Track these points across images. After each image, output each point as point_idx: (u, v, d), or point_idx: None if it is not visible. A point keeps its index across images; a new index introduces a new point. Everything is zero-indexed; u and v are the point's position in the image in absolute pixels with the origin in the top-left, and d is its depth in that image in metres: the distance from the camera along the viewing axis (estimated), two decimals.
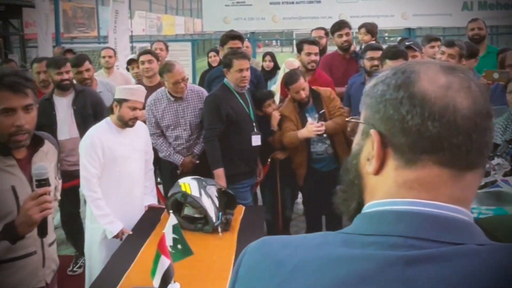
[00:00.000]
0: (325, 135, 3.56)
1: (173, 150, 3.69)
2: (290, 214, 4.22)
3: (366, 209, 0.70)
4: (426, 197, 0.65)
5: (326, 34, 5.19)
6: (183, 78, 3.58)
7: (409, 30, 7.96)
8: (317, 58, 4.10)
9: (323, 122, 3.48)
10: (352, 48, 4.81)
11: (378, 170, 0.69)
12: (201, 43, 16.63)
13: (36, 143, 1.88)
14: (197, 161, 3.68)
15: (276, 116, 3.69)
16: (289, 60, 4.24)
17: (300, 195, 4.22)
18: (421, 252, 0.60)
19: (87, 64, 4.12)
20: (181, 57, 8.92)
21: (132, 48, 9.63)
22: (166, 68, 3.56)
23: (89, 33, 14.36)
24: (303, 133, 3.51)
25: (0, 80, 1.71)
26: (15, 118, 1.72)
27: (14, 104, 1.72)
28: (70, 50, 5.51)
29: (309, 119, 3.62)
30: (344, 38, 4.61)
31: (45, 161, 1.88)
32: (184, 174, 3.48)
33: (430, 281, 0.58)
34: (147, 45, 11.11)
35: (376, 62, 3.70)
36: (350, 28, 4.78)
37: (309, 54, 4.02)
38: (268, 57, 5.98)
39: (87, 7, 14.83)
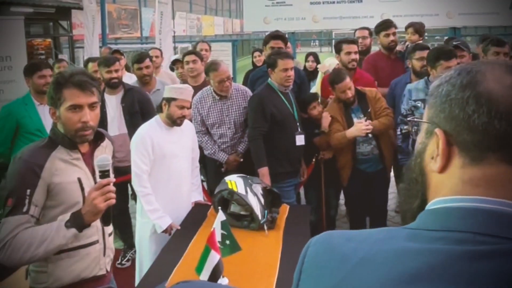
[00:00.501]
0: (370, 135, 3.54)
1: (218, 148, 3.76)
2: (334, 214, 4.20)
3: (431, 206, 0.71)
4: (493, 195, 0.65)
5: (370, 34, 5.13)
6: (228, 77, 3.64)
7: (454, 29, 7.75)
8: (357, 57, 4.07)
9: (370, 121, 3.46)
10: (398, 47, 4.74)
11: (443, 168, 0.70)
12: (240, 44, 16.75)
13: (97, 139, 1.99)
14: (241, 159, 3.73)
15: (327, 117, 3.69)
16: (322, 65, 4.27)
17: (341, 195, 4.20)
18: (489, 248, 0.61)
19: (147, 62, 4.30)
20: (222, 57, 9.01)
21: (175, 48, 9.83)
22: (212, 67, 3.64)
23: (133, 34, 14.73)
24: (352, 132, 3.50)
25: (69, 78, 1.83)
26: (81, 115, 1.83)
27: (81, 101, 1.83)
28: (117, 51, 5.68)
29: (355, 120, 3.60)
30: (391, 38, 4.56)
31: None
32: (229, 172, 3.53)
33: (497, 276, 0.59)
34: (188, 46, 11.31)
35: (425, 62, 3.67)
36: (396, 27, 4.72)
37: (349, 53, 4.00)
38: (311, 57, 5.96)
39: (130, 8, 15.22)
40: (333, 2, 8.22)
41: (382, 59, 4.65)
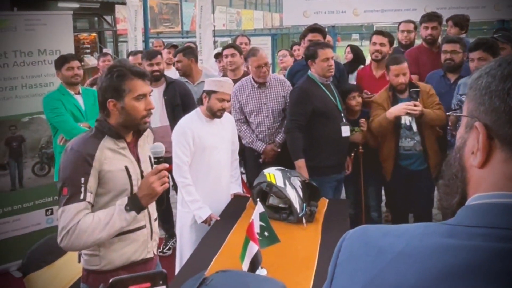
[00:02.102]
0: (415, 130, 3.45)
1: (256, 138, 3.78)
2: (378, 217, 4.06)
3: (471, 201, 0.69)
4: None
5: (415, 27, 4.99)
6: (265, 63, 3.71)
7: (502, 21, 7.43)
8: (383, 48, 3.99)
9: (419, 104, 3.35)
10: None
11: (484, 163, 0.67)
12: (280, 38, 16.71)
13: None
14: (279, 150, 3.74)
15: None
16: None
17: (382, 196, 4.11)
18: None
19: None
20: None
21: (215, 42, 9.93)
22: (251, 53, 3.74)
23: (173, 28, 14.96)
24: (392, 111, 3.42)
25: (130, 70, 1.91)
26: (146, 103, 1.94)
27: (145, 91, 1.93)
28: (174, 45, 5.78)
29: None
30: (429, 31, 4.40)
31: (147, 144, 2.06)
32: (267, 163, 3.55)
33: None
34: (228, 40, 11.39)
35: (449, 56, 3.60)
36: (440, 22, 4.56)
37: (374, 43, 3.98)
38: (348, 49, 5.89)
39: (171, 3, 15.45)
40: None
41: (424, 53, 4.52)
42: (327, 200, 3.16)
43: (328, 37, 6.23)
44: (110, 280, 0.89)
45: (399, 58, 3.53)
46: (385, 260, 0.68)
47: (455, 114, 3.11)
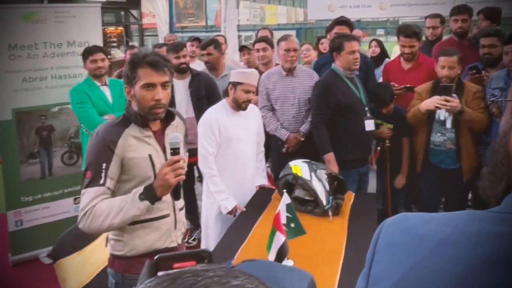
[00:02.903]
0: (448, 126, 3.37)
1: (280, 125, 3.78)
2: (404, 212, 4.00)
3: None
4: None
5: (442, 22, 4.87)
6: (294, 48, 3.74)
7: None
8: (412, 49, 3.87)
9: (452, 100, 3.24)
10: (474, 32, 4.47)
11: None
12: (304, 32, 16.60)
13: (168, 117, 2.05)
14: (302, 139, 3.73)
15: None
16: None
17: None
18: None
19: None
20: None
21: (239, 36, 9.93)
22: (282, 38, 3.81)
23: (198, 23, 15.01)
24: (424, 104, 3.36)
25: (143, 58, 1.89)
26: (154, 93, 1.90)
27: (155, 80, 1.89)
28: (197, 38, 5.82)
29: None
30: (459, 24, 4.29)
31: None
32: (291, 155, 3.54)
33: None
34: (252, 34, 11.38)
35: (486, 50, 3.50)
36: (471, 14, 4.45)
37: (403, 46, 3.89)
38: (374, 43, 5.80)
39: None
40: None
41: (453, 46, 4.42)
42: (353, 194, 3.12)
43: (358, 31, 6.16)
44: (155, 257, 0.89)
45: (450, 50, 3.43)
46: (428, 247, 0.66)
47: (501, 100, 3.02)
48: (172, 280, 0.33)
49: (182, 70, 3.98)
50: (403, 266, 0.68)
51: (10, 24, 3.70)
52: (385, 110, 3.71)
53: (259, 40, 4.52)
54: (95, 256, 2.34)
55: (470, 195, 3.78)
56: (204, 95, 3.98)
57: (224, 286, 0.32)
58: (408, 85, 3.86)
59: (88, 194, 1.84)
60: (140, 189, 1.86)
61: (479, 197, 0.75)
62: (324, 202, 2.78)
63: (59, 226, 3.70)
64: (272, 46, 4.41)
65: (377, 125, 3.67)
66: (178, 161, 1.83)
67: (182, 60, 3.97)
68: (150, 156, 1.95)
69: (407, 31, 3.86)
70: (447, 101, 3.23)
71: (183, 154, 2.22)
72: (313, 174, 2.90)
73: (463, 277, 0.62)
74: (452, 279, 0.62)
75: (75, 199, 4.05)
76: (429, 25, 4.69)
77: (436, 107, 3.28)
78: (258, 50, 4.39)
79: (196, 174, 4.28)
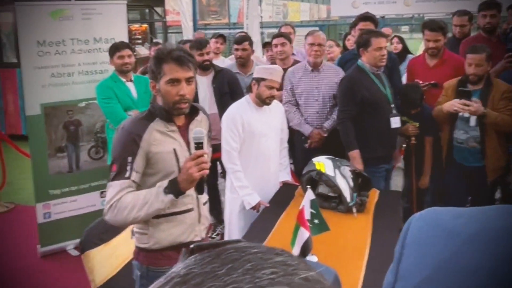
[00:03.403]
0: (472, 124, 3.31)
1: (304, 121, 3.77)
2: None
3: None
4: None
5: (470, 19, 4.76)
6: (319, 43, 3.73)
7: None
8: (437, 44, 3.81)
9: (470, 104, 3.21)
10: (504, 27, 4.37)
11: None
12: (327, 29, 16.51)
13: (192, 113, 2.07)
14: (325, 134, 3.72)
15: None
16: None
17: None
18: None
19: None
20: None
21: (262, 33, 9.91)
22: (310, 32, 3.84)
23: (221, 20, 15.08)
24: (446, 106, 3.34)
25: (168, 54, 1.91)
26: (179, 88, 1.91)
27: (179, 76, 1.90)
28: (221, 35, 5.85)
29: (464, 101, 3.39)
30: (488, 19, 4.20)
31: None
32: (314, 151, 3.52)
33: None
34: (275, 31, 11.36)
35: None
36: (500, 10, 4.34)
37: (428, 40, 3.84)
38: (395, 39, 5.73)
39: None
40: None
41: (482, 43, 4.32)
42: (378, 191, 3.09)
43: (388, 29, 6.09)
44: (191, 246, 0.91)
45: (478, 47, 3.35)
46: (458, 242, 0.66)
47: None
48: (216, 255, 0.33)
49: (205, 67, 4.00)
50: (432, 261, 0.68)
51: (39, 21, 3.78)
52: (413, 111, 3.66)
53: (278, 35, 4.51)
54: (121, 249, 2.38)
55: (498, 194, 3.71)
56: (227, 91, 4.00)
57: (266, 262, 0.32)
58: (433, 82, 3.81)
59: (114, 187, 1.87)
60: (165, 182, 1.88)
61: (509, 193, 0.74)
62: (348, 199, 2.77)
63: (86, 219, 3.78)
64: (290, 42, 4.40)
65: (403, 122, 3.63)
66: (202, 155, 1.84)
67: (206, 57, 3.99)
68: (174, 150, 1.97)
69: (432, 25, 3.82)
70: (466, 105, 3.19)
71: (207, 149, 2.24)
72: (337, 171, 2.88)
73: (493, 273, 0.61)
74: (482, 274, 0.62)
75: (101, 193, 4.12)
76: (457, 23, 4.60)
77: (455, 110, 3.23)
78: (276, 45, 4.38)
79: (219, 170, 4.30)
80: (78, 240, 3.80)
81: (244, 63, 4.47)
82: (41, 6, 3.85)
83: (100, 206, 4.09)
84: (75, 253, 3.90)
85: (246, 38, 4.57)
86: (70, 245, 3.98)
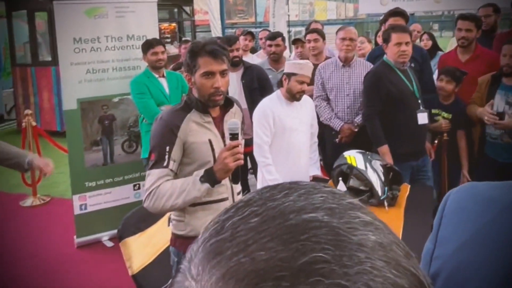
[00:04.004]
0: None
1: (335, 115, 3.77)
2: None
3: None
4: None
5: (496, 11, 4.66)
6: (350, 38, 3.75)
7: None
8: (469, 34, 3.77)
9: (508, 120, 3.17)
10: None
11: None
12: (354, 26, 16.39)
13: (227, 105, 2.12)
14: (356, 129, 3.72)
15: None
16: None
17: None
18: None
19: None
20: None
21: (288, 32, 9.93)
22: (342, 27, 3.89)
23: (248, 19, 15.16)
24: (479, 112, 3.29)
25: (202, 47, 1.96)
26: (214, 81, 1.96)
27: (214, 69, 1.95)
28: (250, 32, 5.91)
29: (497, 97, 3.33)
30: None
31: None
32: (344, 145, 3.52)
33: None
34: (301, 29, 11.36)
35: None
36: None
37: (460, 29, 3.79)
38: (425, 36, 5.66)
39: None
40: None
41: None
42: (409, 186, 3.08)
43: (417, 25, 6.00)
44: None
45: None
46: (494, 210, 0.67)
47: None
48: (273, 187, 0.37)
49: (235, 63, 4.04)
50: (469, 227, 0.69)
51: (75, 19, 3.90)
52: (446, 102, 3.61)
53: (311, 31, 4.51)
54: (156, 238, 2.45)
55: None
56: (257, 87, 4.04)
57: (317, 189, 0.36)
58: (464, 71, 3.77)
59: (152, 175, 1.94)
60: (201, 172, 1.93)
61: None
62: (380, 193, 2.76)
63: (120, 211, 3.88)
64: (323, 38, 4.39)
65: (434, 115, 3.60)
66: (237, 146, 1.89)
67: (235, 53, 4.04)
68: (210, 141, 2.02)
69: (465, 15, 3.81)
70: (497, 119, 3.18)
71: (241, 140, 2.28)
72: (368, 165, 2.89)
73: None
74: None
75: (134, 185, 4.23)
76: (482, 14, 4.54)
77: (487, 120, 3.20)
78: (309, 41, 4.38)
79: (249, 166, 4.33)
80: (112, 232, 3.92)
81: (277, 59, 4.51)
82: (77, 5, 3.97)
83: (133, 198, 4.19)
84: (109, 244, 4.01)
85: (279, 34, 4.62)
86: (105, 236, 4.09)
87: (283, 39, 4.51)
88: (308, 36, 4.42)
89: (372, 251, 0.31)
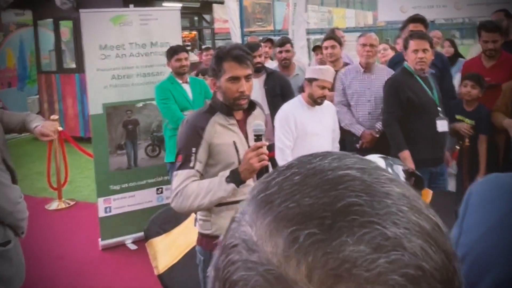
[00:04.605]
0: None
1: (356, 121, 3.79)
2: None
3: None
4: None
5: (507, 15, 4.62)
6: (371, 44, 3.76)
7: None
8: (495, 45, 3.73)
9: None
10: None
11: None
12: None
13: (250, 107, 2.17)
14: (377, 135, 3.72)
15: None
16: None
17: None
18: None
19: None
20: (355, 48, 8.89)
21: (308, 40, 9.97)
22: (363, 33, 3.90)
23: (266, 27, 15.28)
24: (505, 123, 3.30)
25: (228, 52, 2.02)
26: (239, 85, 2.01)
27: (239, 73, 2.01)
28: (270, 39, 5.98)
29: None
30: None
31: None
32: (364, 150, 3.53)
33: None
34: (320, 37, 11.40)
35: None
36: None
37: (486, 42, 3.76)
38: (447, 43, 5.63)
39: (264, 2, 15.80)
40: None
41: None
42: (431, 192, 3.06)
43: (437, 32, 5.98)
44: None
45: None
46: None
47: None
48: (309, 155, 0.42)
49: (257, 69, 4.09)
50: (493, 216, 0.72)
51: (101, 27, 4.02)
52: (470, 108, 3.60)
53: (328, 37, 4.51)
54: (181, 239, 2.49)
55: None
56: (279, 93, 4.08)
57: (348, 156, 0.41)
58: (492, 83, 3.74)
59: (179, 176, 1.99)
60: (227, 172, 1.98)
61: None
62: None
63: (143, 214, 3.95)
64: (340, 44, 4.40)
65: (458, 121, 3.59)
66: (262, 147, 1.93)
67: (258, 59, 4.10)
68: (234, 142, 2.07)
69: (489, 25, 3.76)
70: None
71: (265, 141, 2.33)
72: (389, 169, 2.88)
73: None
74: None
75: (157, 189, 4.30)
76: (494, 19, 4.51)
77: None
78: (326, 48, 4.38)
79: (270, 170, 4.37)
80: (136, 235, 3.99)
81: (288, 65, 4.56)
82: (102, 13, 4.10)
83: (156, 202, 4.26)
84: (133, 247, 4.07)
85: (287, 40, 4.66)
86: (128, 239, 4.16)
87: (292, 45, 4.56)
88: (326, 43, 4.43)
89: (398, 199, 0.36)
